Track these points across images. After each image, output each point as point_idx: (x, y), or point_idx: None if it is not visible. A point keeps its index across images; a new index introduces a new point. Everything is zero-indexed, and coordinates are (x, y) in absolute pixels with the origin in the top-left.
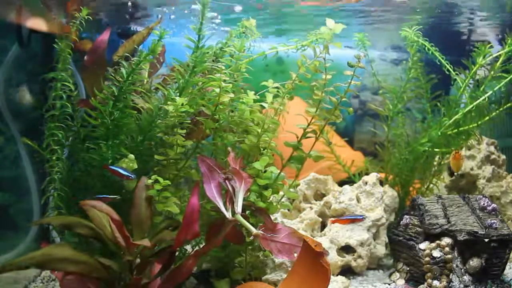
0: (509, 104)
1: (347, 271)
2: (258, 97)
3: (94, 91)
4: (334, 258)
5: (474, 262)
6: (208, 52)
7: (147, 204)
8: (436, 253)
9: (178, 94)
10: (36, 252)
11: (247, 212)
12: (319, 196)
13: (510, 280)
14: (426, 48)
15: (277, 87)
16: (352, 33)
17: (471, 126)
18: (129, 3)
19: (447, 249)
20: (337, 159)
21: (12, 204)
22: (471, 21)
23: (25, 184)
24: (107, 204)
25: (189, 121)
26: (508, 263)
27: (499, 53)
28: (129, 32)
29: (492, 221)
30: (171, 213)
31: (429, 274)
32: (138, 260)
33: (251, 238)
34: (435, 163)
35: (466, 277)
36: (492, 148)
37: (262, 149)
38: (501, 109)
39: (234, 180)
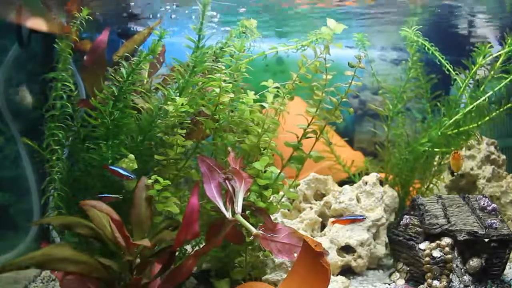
0: (509, 105)
1: (347, 271)
2: (258, 97)
3: (94, 91)
4: (334, 258)
5: (474, 262)
6: (208, 52)
7: (147, 204)
8: (436, 253)
9: (178, 94)
10: (36, 252)
11: (247, 212)
12: (319, 196)
13: (510, 280)
14: (426, 48)
15: (277, 87)
16: (352, 34)
17: (471, 126)
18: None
19: (447, 249)
20: (337, 159)
21: (12, 204)
22: (471, 21)
23: (25, 184)
24: (107, 204)
25: (189, 121)
26: (508, 263)
27: (499, 53)
28: (129, 32)
29: (492, 221)
30: (171, 213)
31: (429, 274)
32: (138, 260)
33: (251, 238)
34: (435, 163)
35: (466, 277)
36: (492, 148)
37: (262, 149)
38: (501, 109)
39: (234, 180)
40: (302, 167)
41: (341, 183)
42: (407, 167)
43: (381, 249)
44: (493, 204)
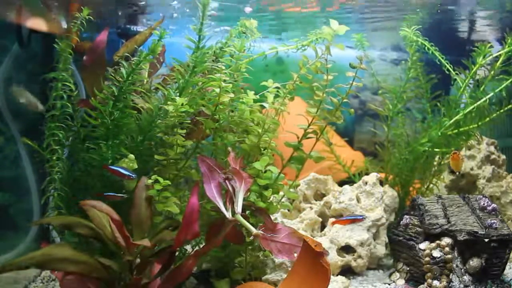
0: (510, 106)
1: (347, 271)
2: (258, 97)
3: (94, 91)
4: (334, 258)
5: (474, 262)
6: (208, 52)
7: (147, 204)
8: (436, 253)
9: (178, 94)
10: (36, 252)
11: (247, 212)
12: (319, 196)
13: (510, 280)
14: (426, 47)
15: (277, 87)
16: (352, 34)
17: (471, 126)
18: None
19: (447, 249)
20: (337, 159)
21: (12, 204)
22: (472, 20)
23: (25, 184)
24: (107, 204)
25: (189, 121)
26: (508, 263)
27: (499, 53)
28: (129, 32)
29: (492, 221)
30: (171, 213)
31: (429, 274)
32: (138, 260)
33: (251, 238)
34: (435, 163)
35: (466, 277)
36: (492, 148)
37: (262, 149)
38: (501, 110)
39: (234, 180)
40: (302, 167)
41: (341, 183)
42: (407, 167)
43: (381, 249)
44: (493, 204)
